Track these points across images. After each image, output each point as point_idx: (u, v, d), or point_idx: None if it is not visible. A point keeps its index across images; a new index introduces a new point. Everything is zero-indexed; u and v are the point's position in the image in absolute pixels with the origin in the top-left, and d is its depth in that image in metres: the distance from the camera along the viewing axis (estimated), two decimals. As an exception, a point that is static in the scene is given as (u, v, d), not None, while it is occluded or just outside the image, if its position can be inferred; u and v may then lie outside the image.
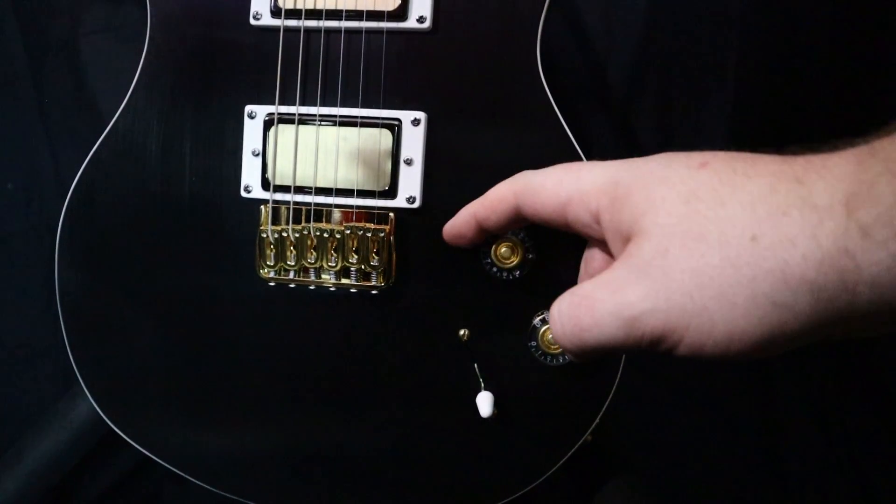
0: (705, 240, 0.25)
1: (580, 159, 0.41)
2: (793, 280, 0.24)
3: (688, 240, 0.26)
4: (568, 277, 0.40)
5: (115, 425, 0.46)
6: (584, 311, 0.28)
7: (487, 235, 0.39)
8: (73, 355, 0.46)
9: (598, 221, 0.31)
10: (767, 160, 0.26)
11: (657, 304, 0.26)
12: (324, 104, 0.42)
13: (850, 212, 0.23)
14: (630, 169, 0.30)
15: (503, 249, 0.40)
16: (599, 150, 0.68)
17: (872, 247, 0.22)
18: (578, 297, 0.29)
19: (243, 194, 0.43)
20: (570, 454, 0.43)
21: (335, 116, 0.42)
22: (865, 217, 0.22)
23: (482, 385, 0.42)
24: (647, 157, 0.30)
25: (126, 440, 0.46)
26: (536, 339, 0.40)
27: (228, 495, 0.46)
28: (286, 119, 0.42)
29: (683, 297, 0.25)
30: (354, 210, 0.42)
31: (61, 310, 0.45)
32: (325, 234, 0.42)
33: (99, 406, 0.46)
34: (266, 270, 0.43)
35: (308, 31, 0.41)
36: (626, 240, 0.29)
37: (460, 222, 0.39)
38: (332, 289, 0.43)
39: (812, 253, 0.23)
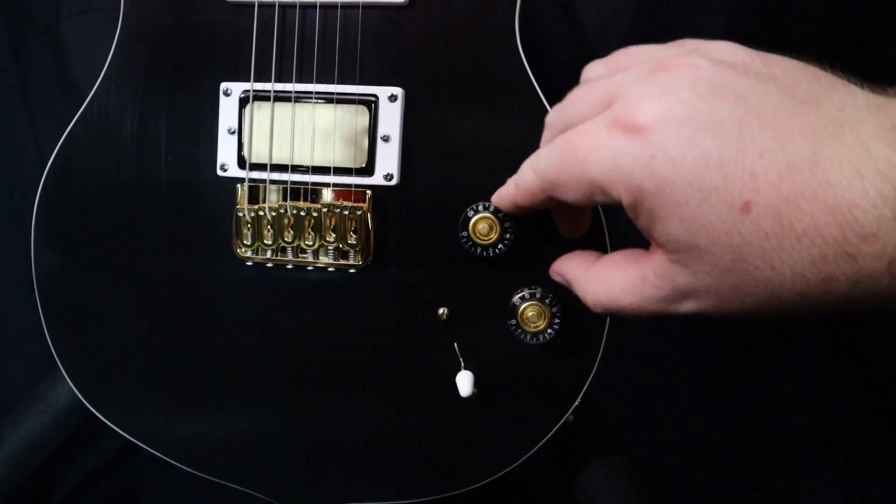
0: (755, 295, 0.26)
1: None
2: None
3: (739, 289, 0.27)
4: (547, 253, 0.40)
5: (95, 409, 0.46)
6: (637, 316, 0.31)
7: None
8: (50, 338, 0.45)
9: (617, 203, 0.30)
10: (812, 211, 0.24)
11: (708, 310, 0.28)
12: (300, 81, 0.41)
13: (893, 275, 0.24)
14: (651, 176, 0.27)
15: (481, 226, 0.39)
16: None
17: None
18: (627, 308, 0.31)
19: (219, 173, 0.42)
20: (551, 434, 0.42)
21: (311, 93, 0.41)
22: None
23: (462, 364, 0.42)
24: (660, 136, 0.27)
25: (107, 424, 0.46)
26: (516, 318, 0.40)
27: (211, 478, 0.46)
28: (262, 96, 0.41)
29: (733, 310, 0.28)
30: (353, 189, 0.41)
31: (38, 292, 0.45)
32: (303, 213, 0.41)
33: (78, 389, 0.46)
34: (243, 250, 0.42)
35: (283, 6, 0.41)
36: (660, 246, 0.29)
37: (505, 208, 0.37)
38: (310, 268, 0.43)
39: (857, 304, 0.25)
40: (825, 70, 0.28)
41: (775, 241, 0.25)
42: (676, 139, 0.26)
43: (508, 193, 0.35)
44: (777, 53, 0.30)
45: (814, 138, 0.25)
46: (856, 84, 0.27)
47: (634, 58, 0.32)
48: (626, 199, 0.28)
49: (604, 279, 0.32)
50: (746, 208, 0.25)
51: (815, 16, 0.62)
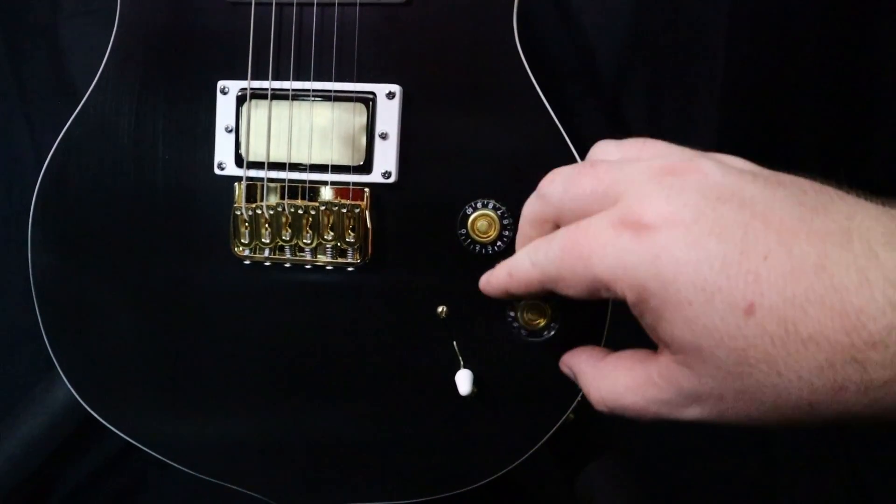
0: (761, 401, 0.26)
1: (560, 134, 0.40)
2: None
3: (744, 395, 0.26)
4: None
5: (93, 410, 0.45)
6: (639, 417, 0.30)
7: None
8: (48, 339, 0.45)
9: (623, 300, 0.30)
10: (818, 316, 0.24)
11: (713, 419, 0.28)
12: (297, 79, 0.41)
13: None
14: (656, 275, 0.27)
15: (480, 223, 0.39)
16: (588, 133, 0.68)
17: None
18: (629, 406, 0.30)
19: (217, 171, 0.42)
20: (551, 433, 0.42)
21: (309, 91, 0.41)
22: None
23: (461, 363, 0.41)
24: (666, 238, 0.26)
25: (105, 425, 0.45)
26: (516, 315, 0.40)
27: (209, 479, 0.46)
28: (259, 94, 0.41)
29: (739, 419, 0.27)
30: (351, 187, 0.41)
31: (35, 293, 0.45)
32: (300, 211, 0.41)
33: (76, 391, 0.45)
34: (241, 248, 0.42)
35: (280, 4, 0.41)
36: (664, 344, 0.28)
37: (493, 294, 0.35)
38: (308, 267, 0.42)
39: (870, 418, 0.25)
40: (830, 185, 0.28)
41: (780, 344, 0.25)
42: (682, 241, 0.26)
43: (499, 281, 0.34)
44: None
45: (820, 244, 0.25)
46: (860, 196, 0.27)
47: (648, 151, 0.32)
48: (630, 297, 0.28)
49: (609, 376, 0.32)
50: (750, 310, 0.25)
51: (815, 16, 0.62)
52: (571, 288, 0.30)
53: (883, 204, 0.26)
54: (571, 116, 0.65)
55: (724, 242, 0.25)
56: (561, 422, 0.42)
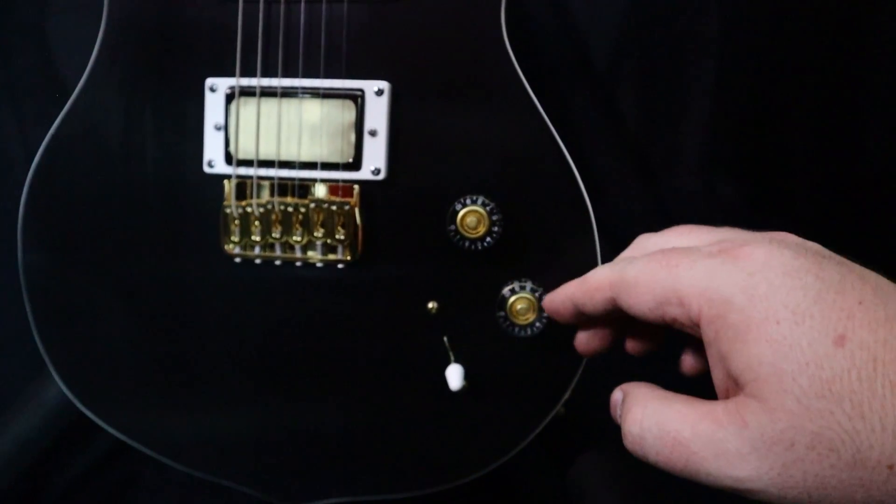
0: (837, 453, 0.23)
1: (549, 129, 0.40)
2: None
3: (818, 444, 0.23)
4: (535, 246, 0.40)
5: (86, 407, 0.45)
6: (677, 457, 0.26)
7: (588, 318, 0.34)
8: (39, 337, 0.45)
9: (698, 325, 0.27)
10: None
11: (769, 488, 0.24)
12: (285, 75, 0.41)
13: None
14: (745, 289, 0.25)
15: (469, 219, 0.39)
16: (582, 129, 0.68)
17: None
18: (671, 437, 0.26)
19: (206, 169, 0.42)
20: (542, 427, 0.42)
21: (297, 88, 0.41)
22: None
23: (452, 358, 0.42)
24: (763, 263, 0.26)
25: (98, 423, 0.45)
26: (505, 310, 0.40)
27: (202, 475, 0.46)
28: (248, 92, 0.41)
29: (800, 494, 0.24)
30: (340, 184, 0.41)
31: (25, 291, 0.45)
32: (290, 209, 0.41)
33: (68, 388, 0.45)
34: (231, 246, 0.42)
35: (268, 0, 0.41)
36: (734, 380, 0.26)
37: (558, 303, 0.34)
38: (298, 264, 0.42)
39: None
40: None
41: (868, 385, 0.23)
42: (778, 268, 0.25)
43: (568, 287, 0.34)
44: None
45: None
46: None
47: (716, 235, 0.31)
48: (707, 312, 0.26)
49: (663, 405, 0.27)
50: (841, 341, 0.23)
51: (808, 9, 0.62)
52: (642, 296, 0.28)
53: None
54: (563, 112, 0.65)
55: (822, 281, 0.25)
56: (552, 416, 0.42)
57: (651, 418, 0.27)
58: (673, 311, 0.28)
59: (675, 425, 0.26)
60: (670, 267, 0.28)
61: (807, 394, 0.23)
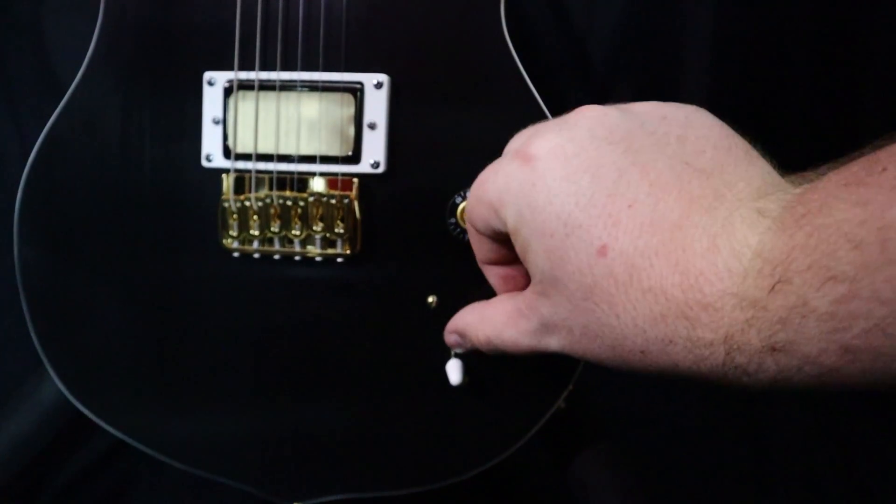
0: (601, 339, 0.28)
1: (547, 119, 0.40)
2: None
3: (587, 332, 0.28)
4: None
5: (83, 405, 0.45)
6: (507, 341, 0.33)
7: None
8: (36, 335, 0.45)
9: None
10: (662, 271, 0.25)
11: (561, 350, 0.30)
12: (284, 69, 0.41)
13: (728, 352, 0.24)
14: (529, 203, 0.28)
15: (469, 212, 0.39)
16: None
17: (752, 380, 0.24)
18: (488, 320, 0.34)
19: (205, 164, 0.42)
20: (543, 422, 0.42)
21: (296, 81, 0.41)
22: (741, 359, 0.24)
23: (452, 352, 0.41)
24: (544, 170, 0.28)
25: (95, 421, 0.45)
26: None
27: (200, 473, 0.45)
28: (246, 85, 0.41)
29: (582, 355, 0.29)
30: (340, 177, 0.41)
31: (22, 288, 0.44)
32: (289, 203, 0.41)
33: (65, 386, 0.45)
34: (229, 241, 0.42)
35: (266, -6, 0.40)
36: (531, 272, 0.30)
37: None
38: (297, 258, 0.42)
39: (694, 375, 0.26)
40: (750, 146, 0.29)
41: (623, 290, 0.26)
42: (558, 172, 0.27)
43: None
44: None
45: (688, 204, 0.26)
46: (776, 169, 0.28)
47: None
48: (510, 223, 0.29)
49: (490, 317, 0.34)
50: (603, 251, 0.26)
51: (804, 4, 0.62)
52: (477, 216, 0.32)
53: (799, 180, 0.26)
54: (562, 106, 0.65)
55: (596, 181, 0.27)
56: (552, 411, 0.42)
57: (493, 334, 0.33)
58: (495, 223, 0.31)
59: (507, 334, 0.32)
60: (482, 184, 0.31)
61: (575, 296, 0.27)
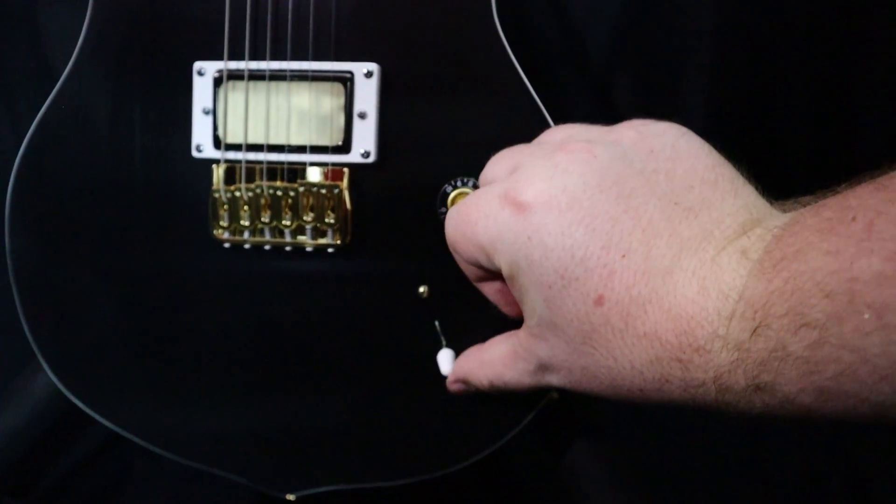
0: (599, 380, 0.29)
1: (540, 110, 0.40)
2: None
3: (587, 372, 0.29)
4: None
5: (76, 398, 0.45)
6: (510, 382, 0.34)
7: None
8: (28, 327, 0.45)
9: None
10: (656, 317, 0.26)
11: (562, 387, 0.32)
12: (274, 58, 0.40)
13: (718, 390, 0.26)
14: (526, 255, 0.29)
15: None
16: (577, 116, 0.68)
17: (744, 412, 0.26)
18: (488, 363, 0.35)
19: (195, 154, 0.42)
20: (535, 412, 0.42)
21: (286, 71, 0.40)
22: (730, 397, 0.26)
23: (443, 343, 0.41)
24: (539, 224, 0.28)
25: (89, 413, 0.45)
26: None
27: (194, 464, 0.45)
28: (236, 75, 0.41)
29: (584, 391, 0.31)
30: (330, 167, 0.41)
31: (14, 280, 0.44)
32: (279, 193, 0.41)
33: (58, 379, 0.45)
34: (220, 231, 0.42)
35: (256, -17, 0.40)
36: (528, 316, 0.31)
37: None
38: (288, 249, 0.42)
39: (691, 407, 0.27)
40: (736, 172, 0.30)
41: (619, 336, 0.27)
42: (553, 226, 0.28)
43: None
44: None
45: (678, 248, 0.27)
46: (762, 197, 0.29)
47: (563, 132, 0.34)
48: (504, 271, 0.30)
49: (489, 362, 0.35)
50: (600, 301, 0.27)
51: (804, 2, 0.62)
52: (465, 252, 0.32)
53: (790, 207, 0.28)
54: (560, 100, 0.65)
55: (590, 234, 0.27)
56: (545, 401, 0.42)
57: (493, 376, 0.35)
58: (485, 263, 0.32)
59: (508, 375, 0.34)
60: (471, 224, 0.31)
61: (574, 340, 0.29)
